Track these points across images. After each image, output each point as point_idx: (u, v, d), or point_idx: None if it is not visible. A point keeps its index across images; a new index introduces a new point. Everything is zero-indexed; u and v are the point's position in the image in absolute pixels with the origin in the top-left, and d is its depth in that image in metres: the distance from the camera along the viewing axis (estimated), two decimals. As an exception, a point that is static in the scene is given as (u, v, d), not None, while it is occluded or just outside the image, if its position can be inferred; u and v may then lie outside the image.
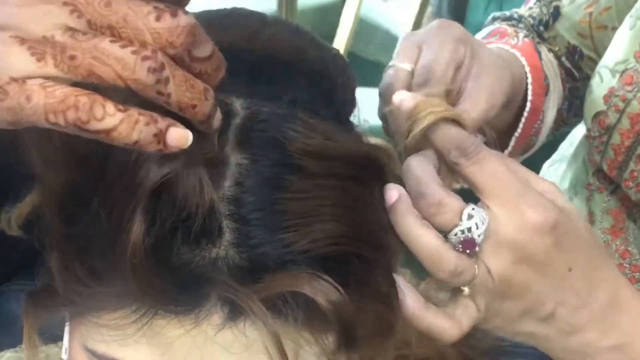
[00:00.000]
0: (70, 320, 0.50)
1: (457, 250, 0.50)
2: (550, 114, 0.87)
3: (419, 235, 0.50)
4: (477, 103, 0.68)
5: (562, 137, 1.09)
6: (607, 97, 0.82)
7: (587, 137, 0.87)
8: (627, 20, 0.83)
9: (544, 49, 0.91)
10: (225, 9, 0.53)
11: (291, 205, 0.44)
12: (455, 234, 0.50)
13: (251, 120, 0.46)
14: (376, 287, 0.47)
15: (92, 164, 0.43)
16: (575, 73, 0.93)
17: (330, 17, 2.40)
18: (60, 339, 0.63)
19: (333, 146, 0.47)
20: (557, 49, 0.93)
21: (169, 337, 0.44)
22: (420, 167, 0.52)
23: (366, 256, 0.45)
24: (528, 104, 0.81)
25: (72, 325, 0.50)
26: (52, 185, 0.45)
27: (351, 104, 0.54)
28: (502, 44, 0.86)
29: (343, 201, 0.46)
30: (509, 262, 0.51)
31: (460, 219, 0.50)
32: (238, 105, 0.47)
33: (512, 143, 0.82)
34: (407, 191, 0.51)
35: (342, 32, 2.28)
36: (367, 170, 0.48)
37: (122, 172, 0.42)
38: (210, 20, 0.51)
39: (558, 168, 1.04)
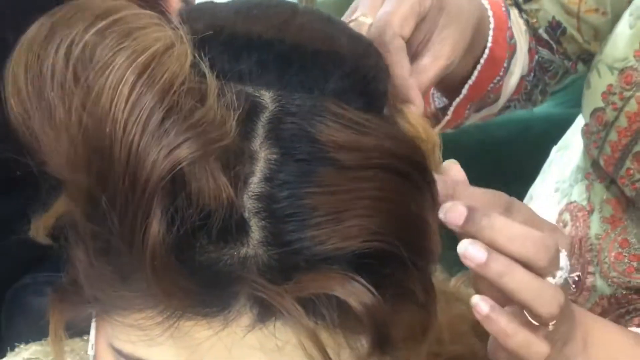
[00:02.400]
0: (96, 318, 0.49)
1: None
2: (513, 78, 0.85)
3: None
4: (439, 58, 0.66)
5: (568, 123, 1.08)
6: (605, 95, 0.81)
7: (585, 131, 0.86)
8: (627, 18, 0.81)
9: (514, 13, 0.88)
10: None
11: (323, 200, 0.43)
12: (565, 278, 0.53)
13: (281, 114, 0.45)
14: (413, 289, 0.45)
15: (97, 163, 0.41)
16: (554, 45, 0.91)
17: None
18: (85, 332, 0.62)
19: (367, 137, 0.45)
20: (534, 20, 0.90)
21: (197, 338, 0.43)
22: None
23: (404, 256, 0.43)
24: (487, 51, 0.78)
25: (98, 322, 0.49)
26: (74, 185, 0.43)
27: (384, 94, 0.53)
28: None
29: (380, 195, 0.44)
30: None
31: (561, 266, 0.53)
32: (267, 97, 0.46)
33: (464, 91, 0.79)
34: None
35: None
36: (408, 164, 0.46)
37: (127, 168, 0.40)
38: (239, 10, 0.50)
39: (563, 155, 1.03)
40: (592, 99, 0.83)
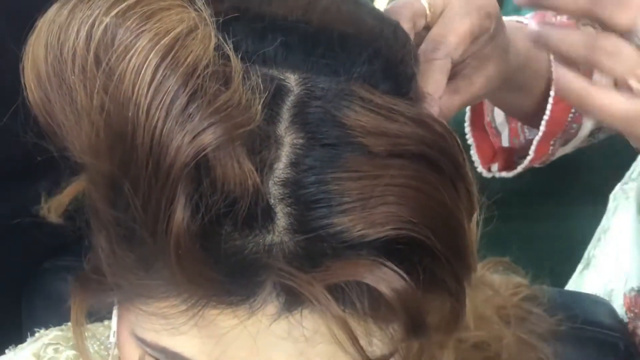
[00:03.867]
0: (118, 305, 0.48)
1: None
2: None
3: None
4: (473, 85, 0.65)
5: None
6: None
7: None
8: None
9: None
10: None
11: (350, 186, 0.41)
12: None
13: (306, 98, 0.44)
14: (443, 277, 0.44)
15: (120, 148, 0.40)
16: None
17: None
18: (107, 317, 0.62)
19: (396, 123, 0.44)
20: None
21: (222, 327, 0.42)
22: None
23: (435, 247, 0.42)
24: (553, 87, 0.77)
25: (120, 310, 0.48)
26: (96, 170, 0.42)
27: (412, 78, 0.51)
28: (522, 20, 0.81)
29: (410, 183, 0.42)
30: None
31: None
32: (292, 80, 0.44)
33: (542, 127, 0.78)
34: None
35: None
36: (440, 154, 0.44)
37: (150, 153, 0.39)
38: None
39: None
40: None
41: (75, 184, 0.50)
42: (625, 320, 0.90)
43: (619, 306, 0.93)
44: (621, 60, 0.52)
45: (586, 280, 1.06)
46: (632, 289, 0.92)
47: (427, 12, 0.62)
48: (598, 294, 0.98)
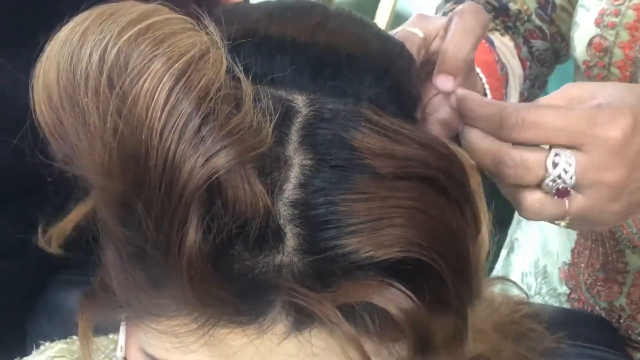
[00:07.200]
0: (127, 322, 0.49)
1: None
2: (512, 100, 0.85)
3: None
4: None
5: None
6: (599, 20, 0.80)
7: (585, 70, 0.84)
8: None
9: (496, 36, 0.88)
10: (286, 0, 0.51)
11: (359, 207, 0.42)
12: (548, 185, 0.52)
13: (314, 119, 0.44)
14: (448, 297, 0.45)
15: (133, 170, 0.40)
16: (546, 30, 0.90)
17: (366, 11, 2.37)
18: (111, 330, 0.62)
19: (403, 146, 0.44)
20: (525, 7, 0.89)
21: (232, 346, 0.43)
22: (484, 140, 0.53)
23: (441, 269, 0.43)
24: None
25: (129, 327, 0.48)
26: (108, 191, 0.42)
27: (417, 99, 0.52)
28: None
29: (416, 205, 0.43)
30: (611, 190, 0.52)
31: (547, 170, 0.51)
32: (300, 101, 0.45)
33: None
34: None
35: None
36: (445, 177, 0.45)
37: (163, 175, 0.39)
38: (272, 13, 0.49)
39: None
40: (584, 34, 0.81)
41: (76, 211, 0.50)
42: (567, 291, 0.95)
43: (557, 280, 0.97)
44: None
45: (514, 262, 1.10)
46: (564, 263, 0.96)
47: (425, 41, 0.62)
48: (529, 272, 1.04)
